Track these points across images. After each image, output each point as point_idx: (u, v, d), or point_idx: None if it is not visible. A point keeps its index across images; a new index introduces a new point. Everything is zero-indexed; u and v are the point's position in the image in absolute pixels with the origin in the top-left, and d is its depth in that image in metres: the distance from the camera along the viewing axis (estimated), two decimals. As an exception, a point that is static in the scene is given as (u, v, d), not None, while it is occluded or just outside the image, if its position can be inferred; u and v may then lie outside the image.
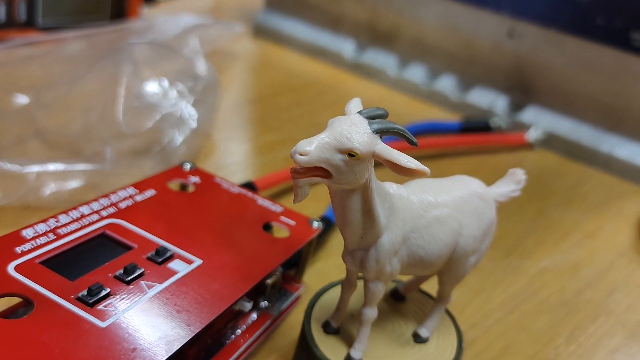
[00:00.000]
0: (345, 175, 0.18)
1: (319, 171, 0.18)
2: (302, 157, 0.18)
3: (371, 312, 0.22)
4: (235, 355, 0.24)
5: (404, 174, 0.18)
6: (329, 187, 0.19)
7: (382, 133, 0.18)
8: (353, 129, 0.18)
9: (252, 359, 0.25)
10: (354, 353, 0.22)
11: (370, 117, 0.19)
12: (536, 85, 0.48)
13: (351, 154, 0.18)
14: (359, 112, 0.19)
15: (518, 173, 0.24)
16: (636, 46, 0.42)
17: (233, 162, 0.40)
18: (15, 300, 0.21)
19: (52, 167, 0.31)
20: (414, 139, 0.19)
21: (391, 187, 0.21)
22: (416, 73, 0.53)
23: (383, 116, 0.19)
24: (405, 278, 0.26)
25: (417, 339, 0.23)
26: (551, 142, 0.47)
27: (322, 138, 0.18)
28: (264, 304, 0.26)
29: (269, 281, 0.26)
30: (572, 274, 0.33)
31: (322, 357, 0.22)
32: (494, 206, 0.23)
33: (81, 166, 0.32)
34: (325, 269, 0.31)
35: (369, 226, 0.20)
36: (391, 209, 0.20)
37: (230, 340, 0.24)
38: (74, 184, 0.33)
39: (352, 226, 0.20)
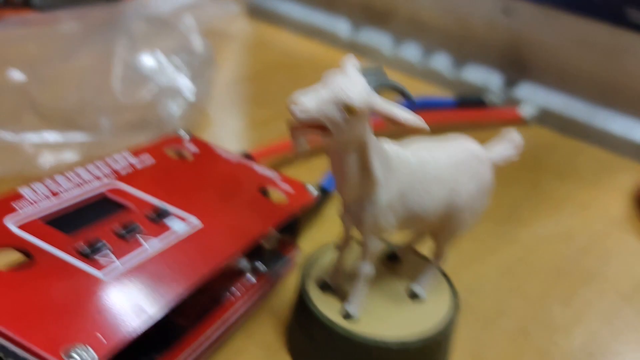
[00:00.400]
0: (343, 131, 0.18)
1: (316, 126, 0.18)
2: (300, 111, 0.18)
3: (368, 267, 0.22)
4: (231, 314, 0.24)
5: (403, 128, 0.18)
6: (326, 144, 0.19)
7: (380, 88, 0.19)
8: (351, 84, 0.18)
9: (248, 319, 0.26)
10: (350, 308, 0.22)
11: (368, 73, 0.19)
12: (531, 62, 0.48)
13: (349, 109, 0.18)
14: (356, 68, 0.19)
15: (511, 133, 0.24)
16: (631, 21, 0.43)
17: (229, 137, 0.40)
18: (13, 259, 0.21)
19: (48, 137, 0.31)
20: (412, 96, 0.19)
21: (388, 145, 0.21)
22: (411, 51, 0.53)
23: (380, 72, 0.19)
24: (401, 240, 0.26)
25: (413, 295, 0.24)
26: (545, 118, 0.47)
27: (321, 93, 0.18)
28: (260, 266, 0.26)
29: (265, 244, 0.26)
30: (566, 241, 0.34)
31: (319, 313, 0.22)
32: (490, 166, 0.23)
33: (78, 136, 0.32)
34: (321, 236, 0.31)
35: (366, 182, 0.20)
36: (388, 165, 0.20)
37: (227, 300, 0.24)
38: (70, 155, 0.33)
39: (349, 182, 0.20)
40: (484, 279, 0.30)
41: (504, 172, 0.24)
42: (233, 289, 0.25)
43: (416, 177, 0.21)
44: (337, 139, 0.18)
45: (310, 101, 0.18)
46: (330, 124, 0.18)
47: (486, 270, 0.31)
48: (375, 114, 0.18)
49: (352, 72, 0.19)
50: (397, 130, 0.19)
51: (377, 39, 0.55)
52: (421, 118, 0.18)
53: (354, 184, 0.20)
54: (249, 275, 0.26)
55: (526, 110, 0.46)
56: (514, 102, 0.48)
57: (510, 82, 0.49)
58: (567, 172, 0.41)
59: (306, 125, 0.18)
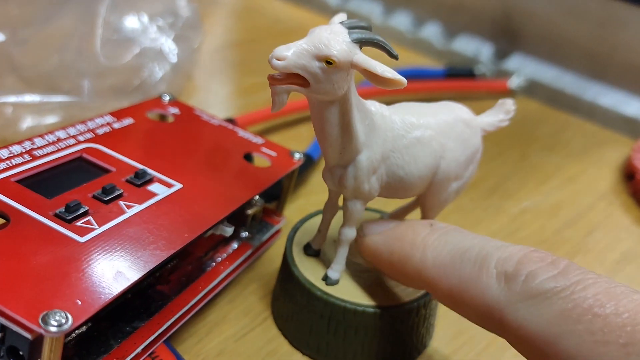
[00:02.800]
0: (323, 84, 0.18)
1: (296, 79, 0.18)
2: (279, 62, 0.17)
3: (350, 232, 0.21)
4: (215, 282, 0.23)
5: (381, 83, 0.18)
6: (308, 99, 0.19)
7: (361, 43, 0.18)
8: (332, 37, 0.18)
9: (233, 287, 0.25)
10: (331, 273, 0.22)
11: (352, 28, 0.18)
12: (522, 33, 0.48)
13: (329, 62, 0.17)
14: (341, 22, 0.18)
15: (508, 103, 0.24)
16: (623, -7, 0.42)
17: (215, 103, 0.40)
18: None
19: (28, 98, 0.31)
20: (395, 52, 0.18)
21: (373, 105, 0.20)
22: (401, 20, 0.52)
23: (365, 28, 0.19)
24: (390, 209, 0.26)
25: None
26: (535, 89, 0.47)
27: (300, 44, 0.18)
28: (244, 234, 0.26)
29: (249, 211, 0.25)
30: (552, 214, 0.34)
31: (300, 276, 0.22)
32: (479, 134, 0.23)
33: (58, 98, 0.31)
34: (306, 206, 0.31)
35: (348, 141, 0.20)
36: (371, 126, 0.20)
37: (211, 268, 0.24)
38: (51, 118, 0.32)
39: (330, 140, 0.20)
40: (469, 250, 0.30)
41: (491, 144, 0.24)
42: (217, 256, 0.24)
43: (401, 140, 0.21)
44: (316, 90, 0.18)
45: (289, 52, 0.17)
46: (308, 74, 0.18)
47: (472, 241, 0.30)
48: (354, 67, 0.18)
49: (336, 26, 0.18)
50: (381, 91, 0.18)
51: (367, 7, 0.54)
52: (400, 75, 0.18)
53: (334, 141, 0.20)
54: (233, 243, 0.25)
55: (514, 82, 0.46)
56: (504, 74, 0.47)
57: (501, 53, 0.49)
58: (555, 144, 0.41)
59: (285, 76, 0.18)
